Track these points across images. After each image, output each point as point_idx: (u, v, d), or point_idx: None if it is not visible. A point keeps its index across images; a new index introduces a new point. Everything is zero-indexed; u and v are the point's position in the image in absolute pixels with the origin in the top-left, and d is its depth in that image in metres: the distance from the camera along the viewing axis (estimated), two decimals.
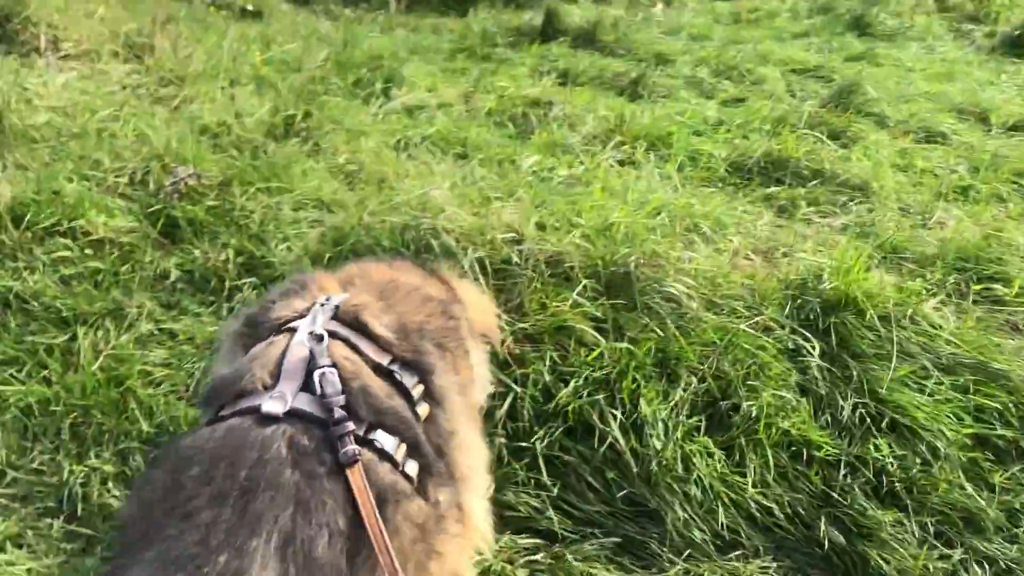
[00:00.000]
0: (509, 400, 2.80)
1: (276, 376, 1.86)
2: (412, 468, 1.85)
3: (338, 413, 1.77)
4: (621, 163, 4.31)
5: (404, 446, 1.84)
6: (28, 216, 3.29)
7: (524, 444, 2.73)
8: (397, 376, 1.91)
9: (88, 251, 3.26)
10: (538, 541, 2.61)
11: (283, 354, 1.89)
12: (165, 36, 6.32)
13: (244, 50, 6.27)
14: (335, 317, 1.98)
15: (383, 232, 3.25)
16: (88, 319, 3.04)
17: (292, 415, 1.77)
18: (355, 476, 1.72)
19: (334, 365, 1.85)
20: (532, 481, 2.69)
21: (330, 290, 2.09)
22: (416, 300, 2.11)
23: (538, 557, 2.56)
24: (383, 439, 1.81)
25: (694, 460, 2.65)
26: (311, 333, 1.91)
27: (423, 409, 1.93)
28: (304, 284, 2.11)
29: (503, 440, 2.75)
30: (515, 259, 3.10)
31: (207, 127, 4.31)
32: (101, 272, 3.20)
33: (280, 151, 4.05)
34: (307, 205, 3.67)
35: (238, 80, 5.48)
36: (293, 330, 1.95)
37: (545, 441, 2.72)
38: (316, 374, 1.83)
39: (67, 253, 3.22)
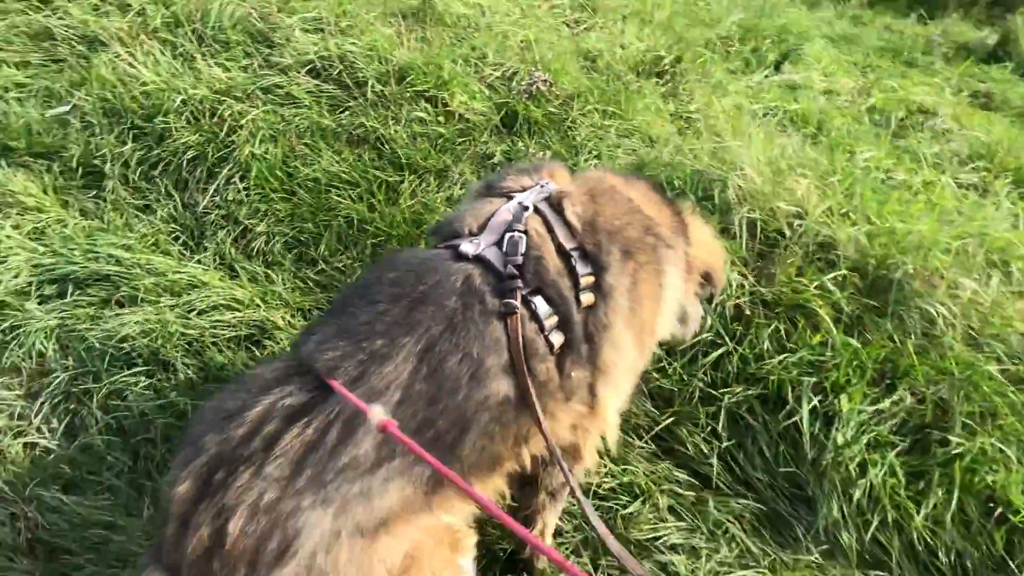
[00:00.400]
0: (720, 352, 2.94)
1: (482, 228, 2.27)
2: (556, 338, 2.17)
3: (510, 270, 2.13)
4: (970, 187, 4.04)
5: (556, 318, 2.17)
6: (410, 78, 4.02)
7: (716, 393, 2.87)
8: (573, 261, 2.20)
9: (440, 119, 3.91)
10: (692, 480, 2.78)
11: (494, 214, 2.28)
12: None
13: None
14: (546, 199, 2.31)
15: (679, 173, 3.48)
16: (418, 170, 3.68)
17: (478, 259, 2.17)
18: (513, 323, 2.08)
19: (526, 233, 2.20)
20: (710, 427, 2.85)
21: (557, 179, 2.42)
22: (622, 209, 2.36)
23: (683, 492, 2.73)
24: (540, 304, 2.15)
25: (872, 469, 2.61)
26: (520, 203, 2.28)
27: (587, 297, 2.21)
28: (537, 168, 2.47)
29: (699, 384, 2.91)
30: (787, 231, 3.16)
31: (587, 51, 4.77)
32: (443, 138, 3.83)
33: (634, 84, 4.39)
34: (633, 135, 3.99)
35: (647, 20, 5.86)
36: (511, 198, 2.32)
37: (736, 398, 2.84)
38: (508, 235, 2.19)
39: (424, 115, 3.91)
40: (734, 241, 3.15)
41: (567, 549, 2.67)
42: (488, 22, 4.87)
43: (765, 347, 2.90)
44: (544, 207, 2.28)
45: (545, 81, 4.05)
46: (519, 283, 2.12)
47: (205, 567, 1.96)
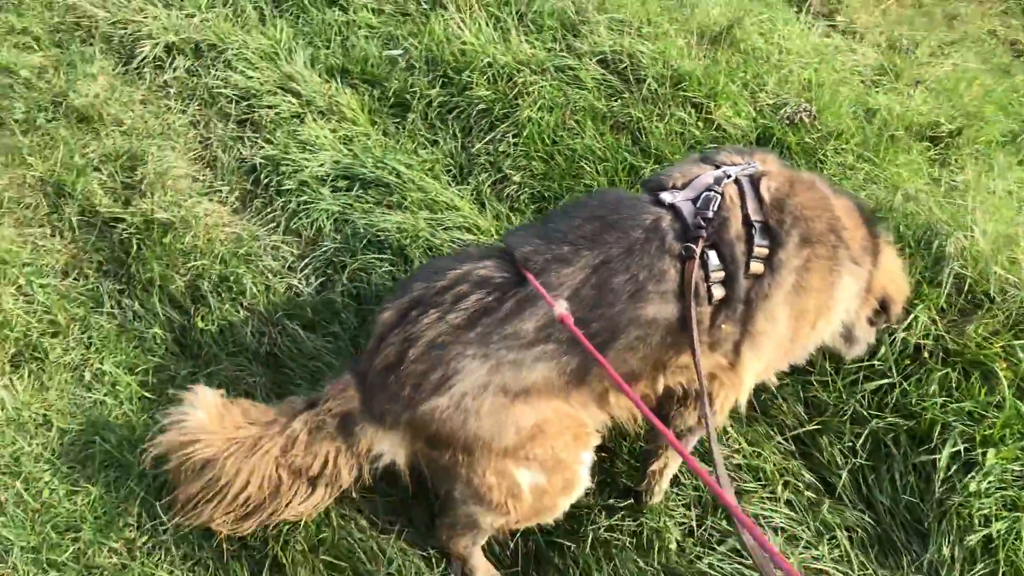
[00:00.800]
0: (885, 382, 3.05)
1: (684, 185, 2.62)
2: (717, 291, 2.48)
3: (697, 221, 2.47)
4: None
5: (723, 274, 2.48)
6: (684, 84, 4.42)
7: (867, 415, 3.00)
8: (753, 231, 2.49)
9: (699, 124, 4.27)
10: (817, 484, 2.94)
11: (698, 176, 2.62)
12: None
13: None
14: (749, 175, 2.61)
15: (908, 222, 3.59)
16: (663, 161, 4.07)
17: (672, 207, 2.53)
18: (690, 265, 2.41)
19: (721, 196, 2.52)
20: (850, 444, 2.97)
21: (767, 165, 2.70)
22: (815, 203, 2.60)
23: (804, 492, 2.90)
24: (712, 257, 2.48)
25: (996, 523, 2.64)
26: (724, 172, 2.60)
27: (756, 266, 2.49)
28: (752, 152, 2.76)
29: (855, 404, 3.04)
30: (996, 296, 3.19)
31: (868, 104, 4.88)
32: (696, 140, 4.19)
33: (902, 140, 4.48)
34: (881, 183, 4.10)
35: (952, 93, 5.77)
36: (719, 168, 2.66)
37: (883, 424, 2.95)
38: (704, 194, 2.53)
39: (686, 117, 4.28)
40: (938, 289, 3.23)
41: (681, 502, 2.93)
42: (780, 60, 5.13)
43: (931, 390, 2.98)
44: (744, 180, 2.59)
45: (809, 112, 4.27)
46: (701, 233, 2.45)
47: (384, 378, 2.50)
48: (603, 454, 2.99)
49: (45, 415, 3.23)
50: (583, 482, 2.63)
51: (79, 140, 4.50)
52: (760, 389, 3.01)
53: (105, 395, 3.28)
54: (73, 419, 3.22)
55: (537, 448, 2.49)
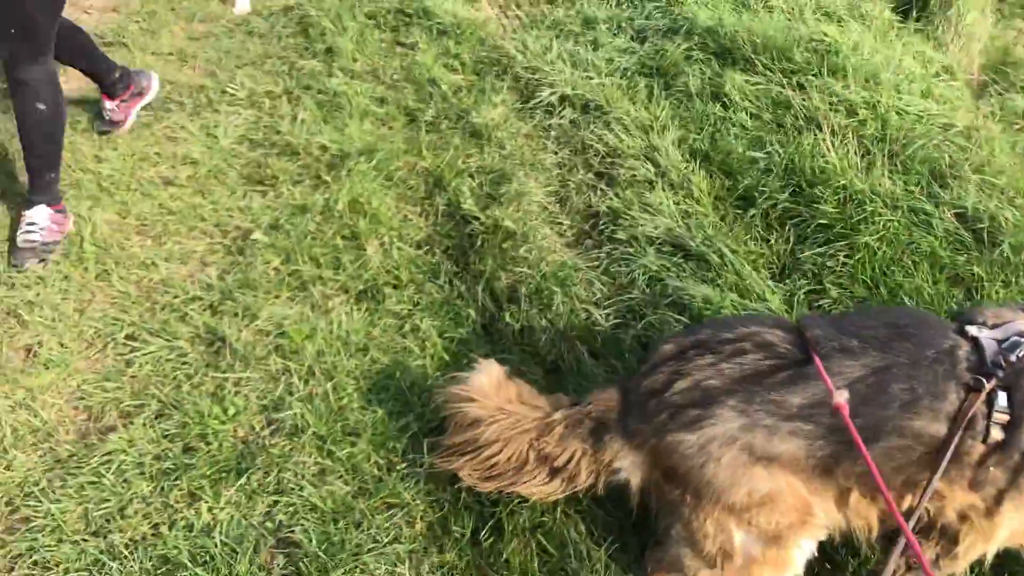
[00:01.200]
0: None
1: (995, 326, 2.59)
2: (996, 433, 2.44)
3: (996, 359, 2.44)
4: None
5: (1007, 417, 2.42)
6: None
7: None
8: None
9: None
10: None
11: (1013, 321, 2.58)
12: None
13: None
14: None
15: None
16: None
17: (973, 339, 2.51)
18: (974, 396, 2.40)
19: None
20: None
21: None
22: None
23: None
24: (1001, 398, 2.41)
25: None
26: None
27: None
28: None
29: None
30: None
31: None
32: None
33: None
34: None
35: None
36: None
37: None
38: (1013, 338, 2.49)
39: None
40: None
41: None
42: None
43: None
44: None
45: None
46: (997, 372, 2.41)
47: (646, 400, 2.71)
48: (828, 565, 2.94)
49: (366, 344, 3.84)
50: (794, 568, 2.63)
51: (466, 150, 5.25)
52: (1015, 563, 2.81)
53: (415, 345, 3.81)
54: (384, 354, 3.80)
55: (762, 516, 2.54)
